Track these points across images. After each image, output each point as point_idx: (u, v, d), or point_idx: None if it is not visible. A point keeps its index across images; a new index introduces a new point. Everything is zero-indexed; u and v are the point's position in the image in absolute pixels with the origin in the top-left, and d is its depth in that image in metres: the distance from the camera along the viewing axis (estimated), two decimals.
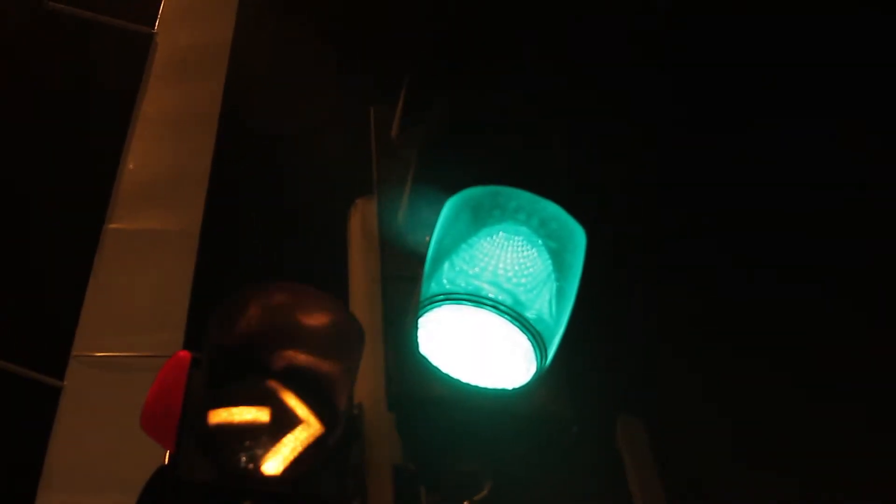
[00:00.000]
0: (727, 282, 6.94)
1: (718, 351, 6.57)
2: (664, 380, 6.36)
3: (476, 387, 2.55)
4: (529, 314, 2.82)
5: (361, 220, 3.36)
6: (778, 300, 6.86)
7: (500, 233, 2.76)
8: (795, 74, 8.29)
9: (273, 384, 2.69)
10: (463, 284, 2.84)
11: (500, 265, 2.81)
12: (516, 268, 2.79)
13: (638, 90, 7.80)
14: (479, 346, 2.79)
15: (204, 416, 2.58)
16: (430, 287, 2.76)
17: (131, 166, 7.37)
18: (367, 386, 2.82)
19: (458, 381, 2.54)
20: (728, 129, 7.93)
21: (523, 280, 2.80)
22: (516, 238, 2.76)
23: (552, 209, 2.68)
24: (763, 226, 7.37)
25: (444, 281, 2.82)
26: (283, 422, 2.62)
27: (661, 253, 7.08)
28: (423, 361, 2.57)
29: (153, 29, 8.52)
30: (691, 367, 6.43)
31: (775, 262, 7.09)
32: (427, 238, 2.66)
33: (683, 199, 7.40)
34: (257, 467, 2.54)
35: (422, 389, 2.52)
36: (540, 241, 2.74)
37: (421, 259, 2.66)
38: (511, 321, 2.83)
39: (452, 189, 2.64)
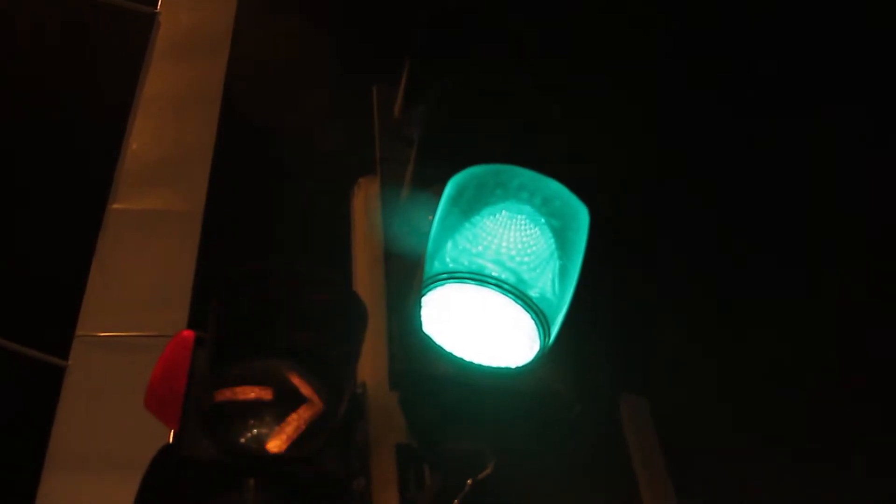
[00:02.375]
0: (729, 258, 6.94)
1: (722, 329, 6.57)
2: (668, 359, 6.36)
3: (479, 365, 2.55)
4: (533, 293, 2.82)
5: (364, 199, 3.36)
6: (782, 276, 6.86)
7: (503, 211, 2.76)
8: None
9: (277, 363, 2.70)
10: (466, 263, 2.84)
11: (504, 244, 2.81)
12: (519, 246, 2.79)
13: (639, 67, 7.77)
14: (482, 324, 2.79)
15: (208, 395, 2.59)
16: (434, 266, 2.76)
17: (134, 147, 7.36)
18: (371, 364, 2.83)
19: (461, 359, 2.55)
20: (731, 114, 7.92)
21: (526, 258, 2.79)
22: (519, 217, 2.76)
23: (555, 187, 2.67)
24: (764, 202, 7.36)
25: (448, 259, 2.82)
26: (287, 400, 2.63)
27: (662, 232, 7.08)
28: (427, 340, 2.57)
29: (156, 9, 8.49)
30: (695, 345, 6.44)
31: (779, 238, 7.09)
32: (430, 217, 2.66)
33: (683, 174, 7.39)
34: (261, 445, 2.54)
35: (425, 368, 2.52)
36: (543, 220, 2.73)
37: (424, 238, 2.66)
38: (514, 300, 2.83)
39: (455, 168, 2.64)
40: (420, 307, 2.61)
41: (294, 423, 2.59)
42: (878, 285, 6.90)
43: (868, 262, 7.04)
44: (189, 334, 2.71)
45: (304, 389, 2.66)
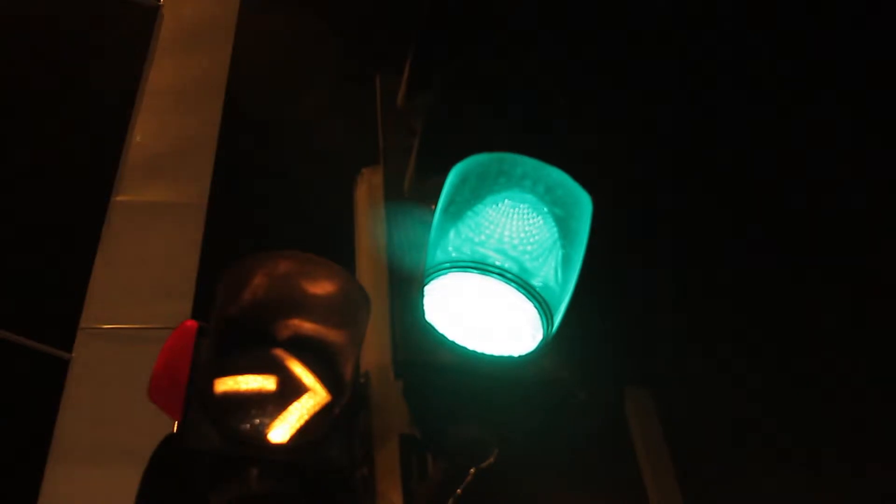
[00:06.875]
0: (733, 249, 6.94)
1: (727, 322, 6.56)
2: (672, 350, 6.36)
3: (482, 354, 2.55)
4: (535, 281, 2.81)
5: (367, 189, 3.35)
6: (784, 266, 6.86)
7: (506, 200, 2.75)
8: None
9: (279, 353, 2.70)
10: (469, 252, 2.84)
11: (506, 233, 2.80)
12: (522, 235, 2.78)
13: (641, 57, 7.77)
14: (485, 313, 2.78)
15: (211, 385, 2.59)
16: (436, 255, 2.76)
17: (138, 139, 7.36)
18: (374, 354, 2.82)
19: (464, 348, 2.54)
20: (735, 110, 7.91)
21: (529, 247, 2.79)
22: (522, 205, 2.75)
23: (558, 176, 2.66)
24: (767, 199, 7.36)
25: (450, 249, 2.81)
26: (290, 390, 2.63)
27: (664, 226, 7.07)
28: (430, 329, 2.56)
29: (159, 2, 8.49)
30: (700, 338, 6.43)
31: (781, 228, 7.09)
32: (432, 206, 2.65)
33: (686, 165, 7.39)
34: (264, 435, 2.54)
35: (428, 357, 2.52)
36: (546, 209, 2.72)
37: (426, 227, 2.66)
38: (517, 288, 2.83)
39: (458, 156, 2.63)
40: (423, 296, 2.61)
41: (297, 412, 2.59)
42: (881, 284, 6.90)
43: (871, 260, 7.04)
44: (192, 324, 2.70)
45: (308, 379, 2.67)
